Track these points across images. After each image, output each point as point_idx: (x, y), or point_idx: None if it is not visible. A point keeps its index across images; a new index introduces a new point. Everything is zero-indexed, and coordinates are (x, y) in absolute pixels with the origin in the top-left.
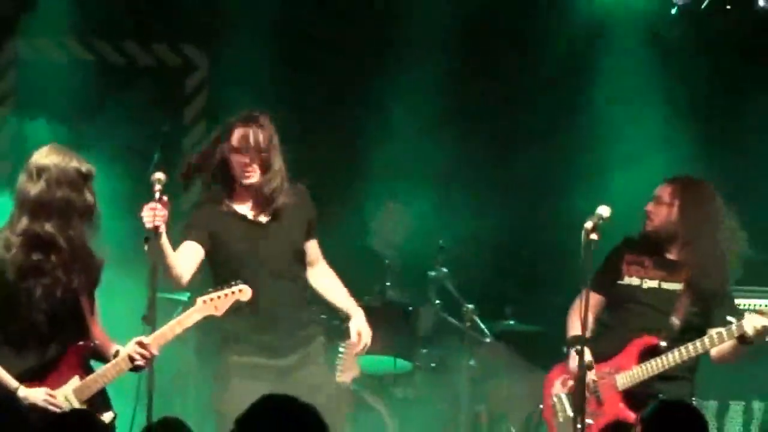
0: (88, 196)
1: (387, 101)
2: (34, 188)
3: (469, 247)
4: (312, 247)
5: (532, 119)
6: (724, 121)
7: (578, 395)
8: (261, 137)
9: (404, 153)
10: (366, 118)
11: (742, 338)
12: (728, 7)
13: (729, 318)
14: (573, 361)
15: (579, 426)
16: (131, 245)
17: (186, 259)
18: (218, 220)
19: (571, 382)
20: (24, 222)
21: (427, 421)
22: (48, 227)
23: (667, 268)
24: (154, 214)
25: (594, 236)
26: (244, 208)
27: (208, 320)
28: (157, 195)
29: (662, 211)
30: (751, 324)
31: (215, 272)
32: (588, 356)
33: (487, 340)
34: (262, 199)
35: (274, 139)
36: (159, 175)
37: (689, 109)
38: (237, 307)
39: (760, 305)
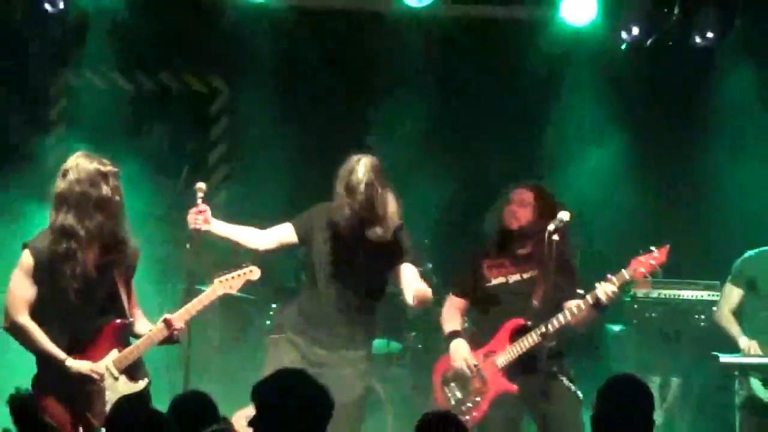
0: (105, 191)
1: (375, 125)
2: (60, 185)
3: (450, 246)
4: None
5: (504, 135)
6: (661, 136)
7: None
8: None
9: (396, 168)
10: (358, 137)
11: (597, 305)
12: (670, 43)
13: (579, 291)
14: (453, 353)
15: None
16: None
17: (273, 233)
18: (327, 223)
19: (454, 369)
20: (53, 215)
21: (413, 394)
22: (69, 218)
23: (523, 261)
24: (195, 218)
25: (556, 237)
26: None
27: (225, 297)
28: (200, 201)
29: (526, 212)
30: (603, 291)
31: (305, 260)
32: (467, 346)
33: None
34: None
35: None
36: (201, 185)
37: (633, 133)
38: (308, 298)
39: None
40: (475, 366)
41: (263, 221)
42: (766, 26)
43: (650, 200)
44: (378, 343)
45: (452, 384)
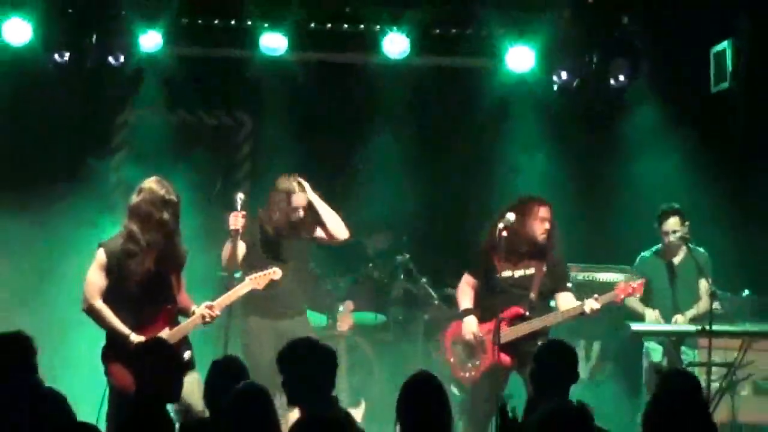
0: (165, 216)
1: (367, 146)
2: (134, 199)
3: (423, 239)
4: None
5: (463, 159)
6: (585, 155)
7: (496, 334)
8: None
9: (379, 183)
10: (354, 155)
11: (582, 314)
12: (591, 85)
13: (569, 285)
14: (465, 326)
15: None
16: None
17: (242, 250)
18: (259, 230)
19: (464, 338)
20: (125, 222)
21: (395, 355)
22: (134, 227)
23: (525, 260)
24: (236, 221)
25: (504, 233)
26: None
27: (253, 292)
28: (239, 207)
29: (546, 226)
30: (588, 306)
31: (250, 260)
32: (476, 322)
33: (435, 302)
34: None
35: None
36: (241, 195)
37: (563, 153)
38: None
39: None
40: (480, 338)
41: None
42: (665, 72)
43: (576, 204)
44: (366, 316)
45: (459, 347)
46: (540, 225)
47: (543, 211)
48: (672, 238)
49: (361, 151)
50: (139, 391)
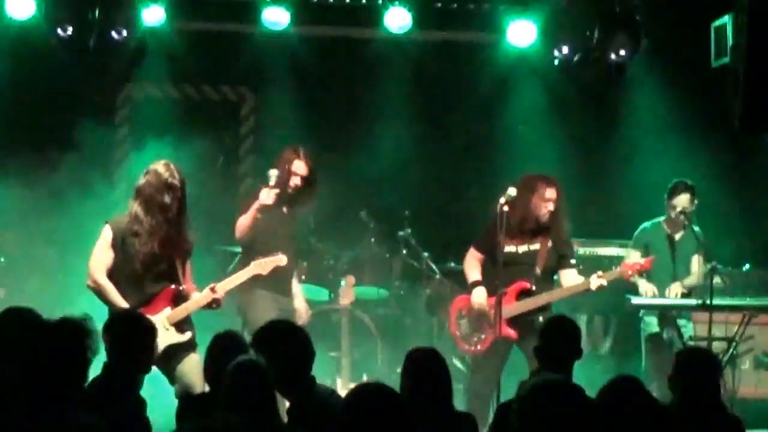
0: (167, 199)
1: (368, 121)
2: (140, 181)
3: (425, 214)
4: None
5: (466, 132)
6: (587, 130)
7: (496, 307)
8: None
9: (381, 157)
10: (355, 131)
11: (587, 290)
12: (592, 59)
13: (573, 261)
14: (474, 298)
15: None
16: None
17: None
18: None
19: (473, 309)
20: (131, 202)
21: (397, 330)
22: (138, 209)
23: (529, 236)
24: (268, 196)
25: (506, 208)
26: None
27: (257, 277)
28: (272, 182)
29: (551, 206)
30: (595, 283)
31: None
32: (485, 294)
33: (437, 276)
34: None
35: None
36: (273, 171)
37: (564, 128)
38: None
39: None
40: (487, 311)
41: None
42: (665, 48)
43: (576, 179)
44: (368, 290)
45: (465, 319)
46: (544, 205)
47: (549, 192)
48: (680, 214)
49: (363, 125)
50: (111, 360)
